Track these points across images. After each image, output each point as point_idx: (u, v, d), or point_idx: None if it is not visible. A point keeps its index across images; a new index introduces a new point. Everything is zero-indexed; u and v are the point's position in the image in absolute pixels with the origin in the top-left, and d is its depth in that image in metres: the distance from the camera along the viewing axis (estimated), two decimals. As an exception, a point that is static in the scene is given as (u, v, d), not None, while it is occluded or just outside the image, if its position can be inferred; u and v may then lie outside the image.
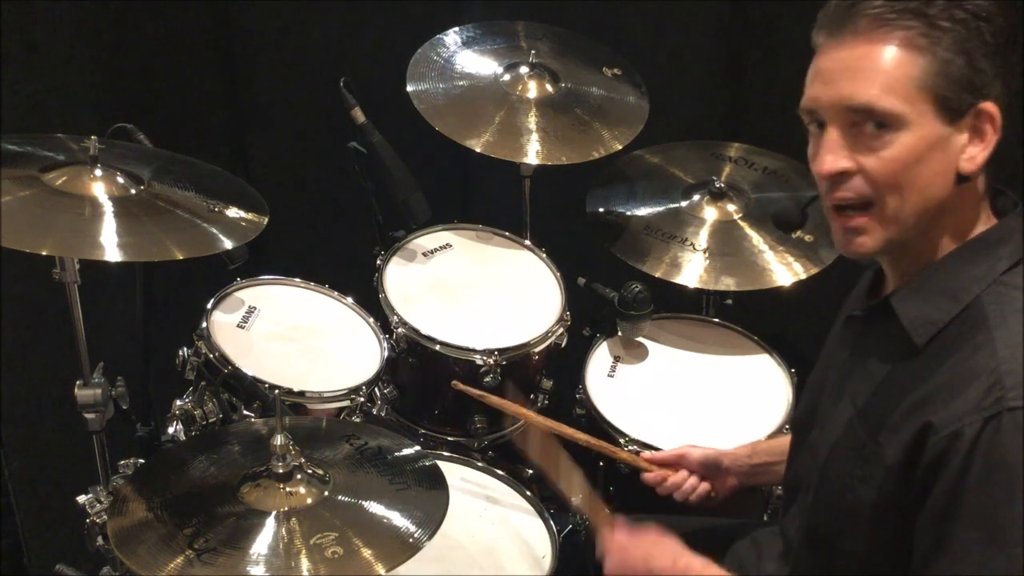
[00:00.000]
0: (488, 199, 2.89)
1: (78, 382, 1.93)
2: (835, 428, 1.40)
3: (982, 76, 1.22)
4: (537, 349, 2.28)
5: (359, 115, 2.30)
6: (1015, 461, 1.15)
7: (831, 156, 1.27)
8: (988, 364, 1.20)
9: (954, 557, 1.20)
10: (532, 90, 2.48)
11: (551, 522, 2.00)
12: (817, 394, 1.51)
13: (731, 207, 2.42)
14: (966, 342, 1.24)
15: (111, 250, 1.68)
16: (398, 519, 1.56)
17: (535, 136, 2.39)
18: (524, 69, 2.50)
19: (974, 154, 1.25)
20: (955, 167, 1.25)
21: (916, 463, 1.24)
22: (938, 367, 1.25)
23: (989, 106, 1.23)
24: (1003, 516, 1.16)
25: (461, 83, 2.47)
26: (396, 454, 1.72)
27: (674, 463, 1.92)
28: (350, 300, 2.32)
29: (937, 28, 1.21)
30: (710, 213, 2.41)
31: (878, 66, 1.23)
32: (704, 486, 1.89)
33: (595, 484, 2.25)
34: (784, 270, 2.30)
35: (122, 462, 1.99)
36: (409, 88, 2.42)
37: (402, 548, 1.51)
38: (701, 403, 2.23)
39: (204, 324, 2.10)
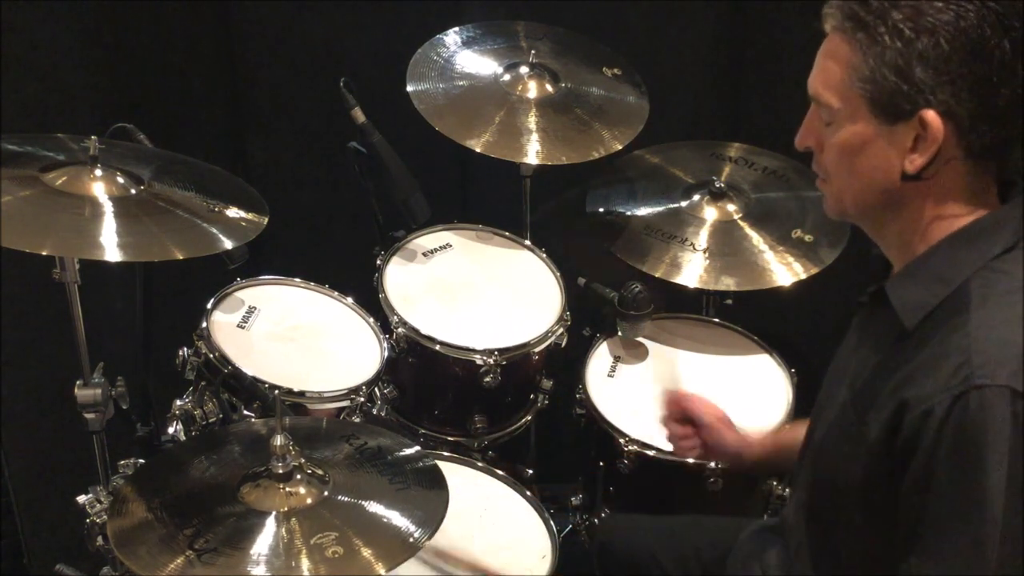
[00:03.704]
0: (488, 199, 2.89)
1: (78, 382, 1.93)
2: (832, 411, 1.44)
3: (917, 85, 1.26)
4: (537, 349, 2.28)
5: (359, 115, 2.30)
6: (981, 438, 1.18)
7: (801, 132, 1.43)
8: (961, 343, 1.23)
9: (931, 535, 1.23)
10: (532, 90, 2.48)
11: (551, 522, 2.00)
12: (829, 385, 1.53)
13: (731, 207, 2.42)
14: (948, 322, 1.27)
15: (111, 250, 1.68)
16: (398, 519, 1.56)
17: (535, 136, 2.39)
18: (524, 69, 2.49)
19: (914, 157, 1.30)
20: (900, 165, 1.31)
21: (894, 440, 1.27)
22: (922, 348, 1.29)
23: (928, 114, 1.26)
24: (973, 493, 1.19)
25: (461, 83, 2.47)
26: (396, 454, 1.72)
27: (697, 424, 1.85)
28: (350, 300, 2.32)
29: (872, 37, 1.28)
30: (710, 213, 2.41)
31: (826, 64, 1.35)
32: (697, 450, 1.85)
33: (595, 484, 2.25)
34: (784, 270, 2.30)
35: (122, 462, 2.00)
36: (409, 88, 2.41)
37: (402, 548, 1.51)
38: (701, 403, 2.23)
39: (204, 324, 2.10)
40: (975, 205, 1.33)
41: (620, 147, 2.43)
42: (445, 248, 2.48)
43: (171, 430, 2.09)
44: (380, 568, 1.47)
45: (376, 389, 2.21)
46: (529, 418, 2.41)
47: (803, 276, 2.29)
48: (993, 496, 1.18)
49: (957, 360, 1.22)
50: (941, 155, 1.28)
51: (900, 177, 1.31)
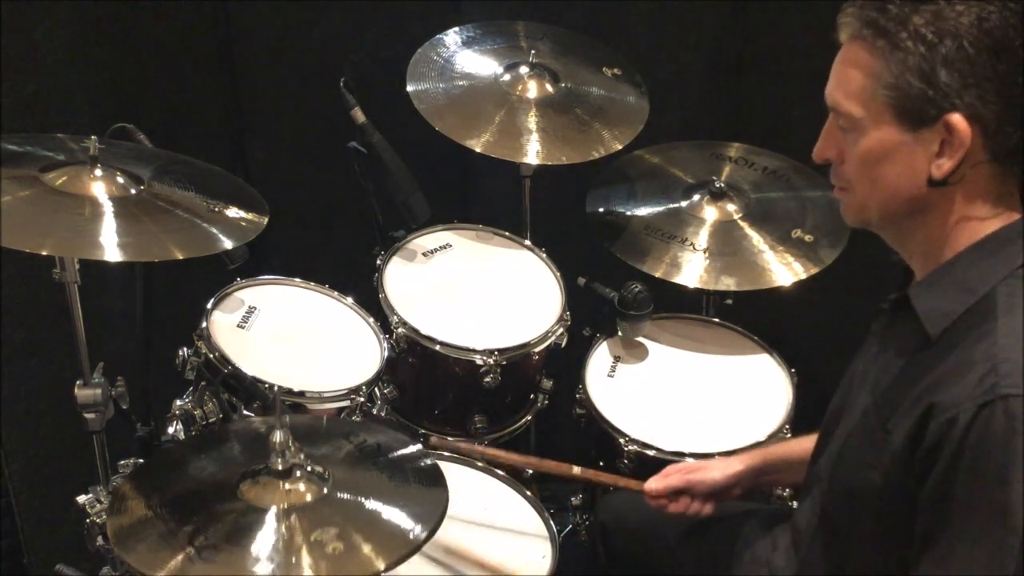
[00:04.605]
0: (488, 199, 2.90)
1: (78, 382, 1.93)
2: (853, 418, 1.44)
3: (943, 89, 1.25)
4: (537, 349, 2.28)
5: (359, 115, 2.30)
6: (1006, 448, 1.18)
7: (820, 144, 1.41)
8: (988, 352, 1.22)
9: (948, 543, 1.22)
10: (532, 90, 2.48)
11: (551, 522, 2.00)
12: (847, 390, 1.53)
13: (731, 207, 2.42)
14: (974, 331, 1.26)
15: (111, 250, 1.68)
16: (398, 515, 1.56)
17: (535, 136, 2.39)
18: (524, 69, 2.50)
19: (941, 162, 1.29)
20: (926, 171, 1.30)
21: (917, 448, 1.26)
22: (947, 356, 1.28)
23: (954, 118, 1.25)
24: (996, 503, 1.18)
25: (461, 83, 2.47)
26: (395, 452, 1.72)
27: (680, 491, 1.86)
28: (350, 300, 2.32)
29: (894, 43, 1.27)
30: (710, 213, 2.41)
31: (845, 72, 1.33)
32: (708, 508, 1.85)
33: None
34: (784, 270, 2.30)
35: (122, 462, 2.00)
36: (409, 88, 2.42)
37: (403, 544, 1.51)
38: (701, 403, 2.23)
39: (204, 324, 2.09)
40: (1001, 209, 1.32)
41: (620, 147, 2.43)
42: (445, 248, 2.48)
43: (171, 430, 2.08)
44: (381, 564, 1.46)
45: (376, 389, 2.21)
46: (529, 418, 2.41)
47: (803, 276, 2.29)
48: (1016, 507, 1.17)
49: (983, 369, 1.21)
50: (968, 159, 1.27)
51: (926, 183, 1.30)
